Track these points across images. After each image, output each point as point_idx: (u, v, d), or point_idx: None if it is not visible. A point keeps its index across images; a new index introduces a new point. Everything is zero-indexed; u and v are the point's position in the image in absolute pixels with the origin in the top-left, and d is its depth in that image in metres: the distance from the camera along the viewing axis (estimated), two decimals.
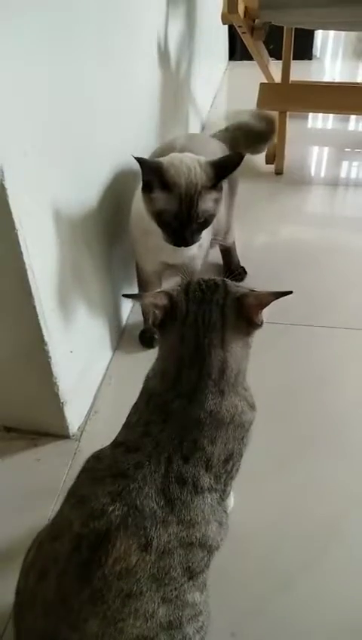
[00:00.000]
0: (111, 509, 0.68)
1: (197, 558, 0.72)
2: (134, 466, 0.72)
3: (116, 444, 0.79)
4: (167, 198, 1.12)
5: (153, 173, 1.11)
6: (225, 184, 1.22)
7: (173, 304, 0.77)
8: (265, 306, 0.75)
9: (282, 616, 0.93)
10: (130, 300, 1.50)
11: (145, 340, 1.43)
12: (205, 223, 1.17)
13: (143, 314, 1.44)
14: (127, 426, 0.81)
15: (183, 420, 0.75)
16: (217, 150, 1.37)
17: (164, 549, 0.68)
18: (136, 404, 0.82)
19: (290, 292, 0.75)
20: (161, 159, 1.16)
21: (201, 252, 1.31)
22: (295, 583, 0.97)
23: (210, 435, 0.75)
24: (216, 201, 1.17)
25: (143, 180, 1.14)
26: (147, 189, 1.14)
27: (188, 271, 1.33)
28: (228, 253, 1.63)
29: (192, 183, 1.12)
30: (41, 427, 1.20)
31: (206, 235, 1.24)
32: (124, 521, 0.67)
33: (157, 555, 0.67)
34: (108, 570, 0.65)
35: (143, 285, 1.38)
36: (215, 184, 1.14)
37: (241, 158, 1.16)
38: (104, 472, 0.74)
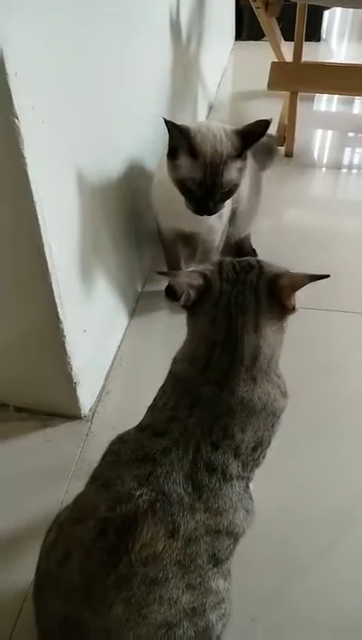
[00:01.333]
0: (138, 493, 0.67)
1: (223, 545, 0.71)
2: (161, 451, 0.71)
3: (142, 427, 0.77)
4: (192, 166, 1.11)
5: (181, 138, 1.10)
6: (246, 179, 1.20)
7: (208, 284, 0.74)
8: (298, 289, 0.72)
9: (301, 601, 0.92)
10: (143, 278, 1.49)
11: (171, 293, 1.44)
12: (229, 193, 1.16)
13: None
14: (152, 409, 0.79)
15: (213, 407, 0.73)
16: None
17: (191, 536, 0.67)
18: (162, 387, 0.80)
19: (327, 276, 0.72)
20: (189, 124, 1.14)
21: (220, 225, 1.30)
22: (313, 567, 0.96)
23: (240, 422, 0.73)
24: (241, 170, 1.15)
25: (169, 146, 1.12)
26: (172, 155, 1.12)
27: (207, 248, 1.34)
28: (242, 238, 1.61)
29: (218, 152, 1.10)
30: (53, 408, 1.18)
31: (226, 208, 1.22)
32: (152, 507, 0.66)
33: (184, 542, 0.66)
34: (135, 556, 0.64)
35: (166, 250, 1.42)
36: (240, 153, 1.13)
37: (268, 125, 1.12)
38: (130, 455, 0.72)
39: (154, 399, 0.80)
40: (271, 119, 1.13)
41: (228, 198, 1.17)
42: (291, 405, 1.19)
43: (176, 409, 0.74)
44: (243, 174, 1.17)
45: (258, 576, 0.94)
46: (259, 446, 0.76)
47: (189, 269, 0.78)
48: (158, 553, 0.64)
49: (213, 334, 0.74)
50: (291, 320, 1.37)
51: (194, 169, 1.11)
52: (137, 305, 1.48)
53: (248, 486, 0.77)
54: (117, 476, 0.70)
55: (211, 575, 0.69)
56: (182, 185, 1.14)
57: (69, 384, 1.12)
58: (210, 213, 1.15)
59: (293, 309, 0.75)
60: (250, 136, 1.13)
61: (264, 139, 1.34)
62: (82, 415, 1.18)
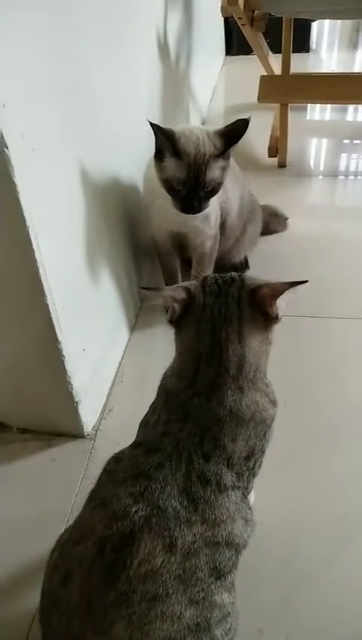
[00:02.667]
0: (134, 509, 0.67)
1: (225, 557, 0.70)
2: (155, 466, 0.71)
3: (135, 444, 0.78)
4: (176, 166, 1.18)
5: (166, 140, 1.17)
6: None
7: (191, 298, 0.76)
8: (279, 296, 0.73)
9: (308, 610, 0.92)
10: (142, 292, 1.51)
11: None
12: (212, 191, 1.22)
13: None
14: (145, 425, 0.80)
15: (203, 418, 0.73)
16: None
17: (190, 550, 0.67)
18: (154, 403, 0.81)
19: (305, 281, 0.73)
20: (173, 128, 1.21)
21: (208, 229, 1.35)
22: (319, 576, 0.96)
23: (230, 432, 0.73)
24: (223, 169, 1.22)
25: (156, 148, 1.19)
26: (158, 156, 1.20)
27: (200, 254, 1.40)
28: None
29: (200, 152, 1.17)
30: (56, 427, 1.19)
31: (214, 210, 1.30)
32: (148, 522, 0.66)
33: (183, 556, 0.66)
34: (134, 572, 0.63)
35: (162, 258, 1.47)
36: (223, 152, 1.19)
37: (246, 124, 1.18)
38: (124, 473, 0.73)
39: (146, 415, 0.81)
40: (249, 117, 1.18)
41: (211, 196, 1.23)
42: (292, 414, 1.21)
43: (168, 424, 0.75)
44: (225, 173, 1.23)
45: (264, 587, 0.94)
46: (252, 455, 0.76)
47: (174, 285, 0.80)
48: (157, 568, 0.64)
49: (199, 346, 0.75)
50: (292, 329, 1.40)
51: (179, 169, 1.18)
52: (137, 321, 1.49)
53: (245, 495, 0.77)
54: (113, 494, 0.70)
55: (214, 589, 0.69)
56: (168, 184, 1.21)
57: (70, 403, 1.13)
58: (195, 211, 1.22)
59: (276, 318, 0.76)
60: (231, 136, 1.19)
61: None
62: (85, 433, 1.19)
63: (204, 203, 1.22)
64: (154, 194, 1.28)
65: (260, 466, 0.80)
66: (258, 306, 0.74)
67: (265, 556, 0.97)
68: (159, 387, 0.81)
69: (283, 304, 0.74)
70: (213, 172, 1.20)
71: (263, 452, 0.79)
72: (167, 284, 1.45)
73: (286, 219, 1.79)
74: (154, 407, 0.80)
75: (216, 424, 0.73)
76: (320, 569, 0.97)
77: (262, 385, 0.78)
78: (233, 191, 1.43)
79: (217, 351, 0.73)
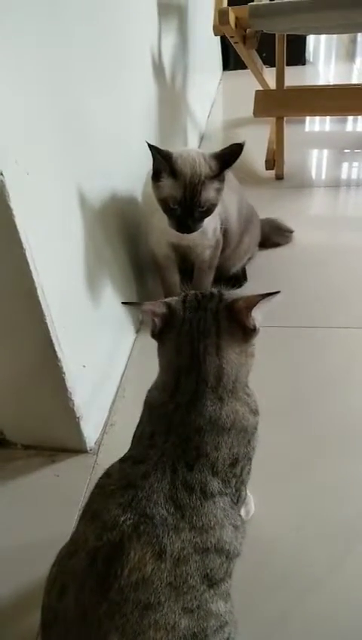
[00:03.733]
0: (122, 519, 0.68)
1: (215, 564, 0.71)
2: (141, 476, 0.72)
3: (123, 459, 0.80)
4: (173, 185, 1.23)
5: (163, 161, 1.22)
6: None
7: (172, 312, 0.79)
8: (253, 307, 0.75)
9: (311, 621, 0.92)
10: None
11: None
12: (207, 212, 1.27)
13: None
14: (133, 441, 0.82)
15: (184, 429, 0.75)
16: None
17: (179, 556, 0.67)
18: (140, 418, 0.83)
19: (278, 292, 0.75)
20: (170, 150, 1.26)
21: (206, 241, 1.39)
22: (322, 587, 0.96)
23: (212, 441, 0.75)
24: (218, 190, 1.27)
25: (153, 168, 1.25)
26: (156, 177, 1.25)
27: (200, 263, 1.45)
28: None
29: (196, 172, 1.22)
30: (58, 443, 1.21)
31: (211, 223, 1.34)
32: (137, 530, 0.67)
33: (173, 563, 0.66)
34: (124, 581, 0.64)
35: (161, 272, 1.50)
36: (218, 174, 1.24)
37: (241, 147, 1.24)
38: (114, 485, 0.74)
39: (135, 431, 0.83)
40: (243, 142, 1.23)
41: (206, 217, 1.27)
42: (296, 423, 1.22)
43: (153, 437, 0.77)
44: (220, 194, 1.28)
45: (266, 597, 0.94)
46: (237, 462, 0.77)
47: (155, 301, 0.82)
48: (148, 576, 0.64)
49: (179, 360, 0.77)
50: (296, 339, 1.42)
51: (175, 188, 1.23)
52: (138, 336, 1.51)
53: (235, 502, 0.77)
54: (103, 507, 0.71)
55: (208, 597, 0.69)
56: (164, 204, 1.26)
57: (72, 419, 1.15)
58: (190, 230, 1.27)
59: (254, 330, 0.77)
60: (226, 159, 1.25)
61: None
62: (88, 448, 1.21)
63: (198, 223, 1.27)
64: (153, 208, 1.32)
65: (249, 472, 0.81)
66: (235, 318, 0.77)
67: (268, 566, 0.98)
68: (144, 402, 0.83)
69: (259, 316, 0.77)
70: (208, 193, 1.24)
71: (249, 459, 0.80)
72: (166, 296, 1.48)
73: (291, 232, 1.81)
74: (140, 421, 0.82)
75: (197, 434, 0.74)
76: (323, 579, 0.97)
77: (243, 395, 0.79)
78: (231, 202, 1.47)
79: (196, 363, 0.75)
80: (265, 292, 0.75)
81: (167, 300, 0.80)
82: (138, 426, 0.82)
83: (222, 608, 0.71)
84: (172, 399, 0.77)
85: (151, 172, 1.27)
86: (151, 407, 0.81)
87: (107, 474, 0.78)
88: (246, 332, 0.77)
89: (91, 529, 0.70)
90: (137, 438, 0.81)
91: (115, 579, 0.64)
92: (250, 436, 0.79)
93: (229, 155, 1.25)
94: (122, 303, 0.86)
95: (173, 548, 0.67)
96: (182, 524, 0.69)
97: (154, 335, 0.80)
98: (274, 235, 1.78)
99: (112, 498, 0.71)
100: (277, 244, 1.79)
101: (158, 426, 0.77)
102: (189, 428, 0.74)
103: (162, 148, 1.24)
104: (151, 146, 1.21)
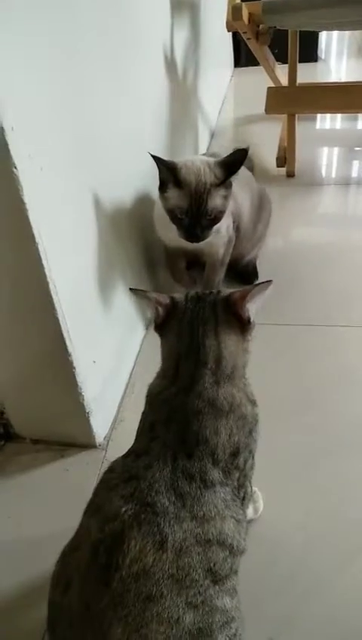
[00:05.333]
0: (124, 509, 0.68)
1: (219, 558, 0.70)
2: (144, 467, 0.73)
3: (126, 454, 0.80)
4: (179, 195, 1.22)
5: (168, 172, 1.21)
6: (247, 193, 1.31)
7: (174, 305, 0.83)
8: (248, 296, 0.79)
9: (319, 619, 0.92)
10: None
11: None
12: (215, 220, 1.26)
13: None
14: (136, 435, 0.83)
15: (184, 414, 0.76)
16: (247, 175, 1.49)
17: (181, 547, 0.67)
18: (142, 413, 0.84)
19: (270, 281, 0.79)
20: (175, 160, 1.25)
21: (219, 240, 1.38)
22: (330, 585, 0.96)
23: (211, 425, 0.75)
24: (225, 197, 1.25)
25: (159, 179, 1.24)
26: (162, 187, 1.24)
27: (212, 260, 1.45)
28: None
29: (202, 181, 1.21)
30: (68, 438, 1.21)
31: (224, 222, 1.32)
32: (137, 519, 0.67)
33: (175, 554, 0.66)
34: (126, 572, 0.64)
35: (170, 261, 1.51)
36: (223, 181, 1.23)
37: (246, 153, 1.22)
38: (117, 479, 0.75)
39: (138, 427, 0.84)
40: (248, 147, 1.22)
41: (214, 224, 1.26)
42: (303, 422, 1.22)
43: (154, 428, 0.78)
44: (227, 201, 1.26)
45: (274, 595, 0.94)
46: (238, 453, 0.77)
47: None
48: (149, 567, 0.64)
49: (179, 345, 0.80)
50: (303, 337, 1.41)
51: (182, 198, 1.22)
52: (148, 332, 1.51)
53: (237, 496, 0.77)
54: (106, 500, 0.72)
55: (213, 593, 0.68)
56: (172, 214, 1.25)
57: (82, 414, 1.15)
58: (199, 239, 1.26)
59: (249, 322, 0.81)
60: (231, 165, 1.23)
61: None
62: (97, 444, 1.21)
63: (206, 231, 1.26)
64: (165, 218, 1.30)
65: (252, 468, 0.81)
66: (231, 310, 0.81)
67: (276, 565, 0.98)
68: (145, 396, 0.85)
69: (253, 309, 0.81)
70: (215, 200, 1.23)
71: (251, 452, 0.81)
72: (176, 282, 1.54)
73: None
74: (141, 416, 0.84)
75: (195, 417, 0.75)
76: (329, 578, 0.97)
77: (241, 383, 0.81)
78: (243, 197, 1.46)
79: (195, 346, 0.79)
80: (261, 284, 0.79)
81: (172, 295, 0.84)
82: (140, 422, 0.84)
83: (228, 604, 0.70)
84: (172, 384, 0.79)
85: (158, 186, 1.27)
86: (152, 396, 0.82)
87: (110, 469, 0.79)
88: (243, 325, 0.81)
89: (94, 522, 0.70)
90: (139, 432, 0.82)
91: (116, 569, 0.64)
92: (250, 426, 0.80)
93: (234, 162, 1.23)
94: (130, 289, 0.87)
95: (174, 538, 0.67)
96: (183, 513, 0.69)
97: (156, 326, 0.84)
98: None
99: (115, 491, 0.72)
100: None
101: (159, 414, 0.78)
102: (188, 411, 0.76)
103: (167, 158, 1.23)
104: (154, 157, 1.19)
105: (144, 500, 0.69)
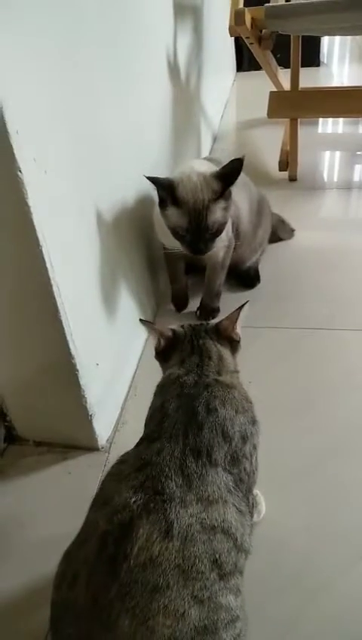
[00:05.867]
0: (133, 500, 0.69)
1: (223, 549, 0.70)
2: (156, 452, 0.75)
3: (138, 442, 0.82)
4: (178, 214, 1.22)
5: (165, 191, 1.20)
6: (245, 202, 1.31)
7: (175, 336, 0.92)
8: (236, 321, 0.91)
9: (323, 622, 0.92)
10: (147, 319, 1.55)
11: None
12: (217, 232, 1.25)
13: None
14: (145, 425, 0.85)
15: (194, 390, 0.81)
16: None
17: (187, 535, 0.67)
18: (150, 405, 0.88)
19: (247, 301, 0.92)
20: (171, 177, 1.24)
21: (220, 243, 1.38)
22: (333, 588, 0.96)
23: (220, 396, 0.81)
24: (225, 209, 1.24)
25: (159, 197, 1.23)
26: (162, 205, 1.23)
27: (213, 263, 1.46)
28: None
29: (199, 198, 1.20)
30: (71, 440, 1.22)
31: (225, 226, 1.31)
32: (146, 507, 0.68)
33: (181, 542, 0.67)
34: (133, 561, 0.64)
35: (169, 262, 1.51)
36: (221, 194, 1.21)
37: (241, 162, 1.21)
38: (129, 469, 0.75)
39: (146, 417, 0.86)
40: (243, 156, 1.21)
41: (217, 237, 1.26)
42: (306, 425, 1.22)
43: (163, 407, 0.81)
44: (228, 212, 1.25)
45: (278, 598, 0.94)
46: (246, 438, 0.80)
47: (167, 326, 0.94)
48: (156, 556, 0.65)
49: (182, 354, 0.90)
50: (305, 341, 1.42)
51: (181, 217, 1.22)
52: (150, 336, 1.51)
53: (237, 485, 0.78)
54: (115, 491, 0.72)
55: (218, 589, 0.68)
56: (173, 231, 1.25)
57: (84, 417, 1.15)
58: (203, 253, 1.25)
59: (238, 341, 0.93)
60: (228, 176, 1.22)
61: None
62: (100, 446, 1.22)
63: (210, 244, 1.26)
64: (163, 230, 1.31)
65: (256, 469, 0.83)
66: (223, 335, 0.92)
67: (279, 566, 0.98)
68: (153, 395, 0.89)
69: (238, 328, 0.93)
70: (215, 215, 1.23)
71: (255, 446, 0.83)
72: (172, 283, 1.56)
73: (293, 230, 1.81)
74: (150, 406, 0.88)
75: (206, 389, 0.82)
76: (334, 580, 0.97)
77: (238, 383, 0.89)
78: (241, 200, 1.46)
79: (197, 350, 0.89)
80: (238, 306, 0.92)
81: (172, 327, 0.94)
82: (148, 411, 0.87)
83: (233, 602, 0.70)
84: (182, 367, 0.87)
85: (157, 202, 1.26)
86: (162, 385, 0.88)
87: (121, 461, 0.80)
88: (233, 344, 0.93)
89: (102, 514, 0.71)
90: (148, 418, 0.85)
91: (124, 559, 0.65)
92: (252, 414, 0.85)
93: (231, 173, 1.22)
94: (140, 320, 0.94)
95: (180, 524, 0.68)
96: (190, 495, 0.71)
97: (157, 354, 0.94)
98: (279, 230, 1.77)
99: (125, 481, 0.73)
100: (280, 239, 1.79)
101: (169, 393, 0.83)
102: (199, 387, 0.82)
103: (161, 176, 1.23)
104: (149, 178, 1.18)
105: (155, 487, 0.70)
